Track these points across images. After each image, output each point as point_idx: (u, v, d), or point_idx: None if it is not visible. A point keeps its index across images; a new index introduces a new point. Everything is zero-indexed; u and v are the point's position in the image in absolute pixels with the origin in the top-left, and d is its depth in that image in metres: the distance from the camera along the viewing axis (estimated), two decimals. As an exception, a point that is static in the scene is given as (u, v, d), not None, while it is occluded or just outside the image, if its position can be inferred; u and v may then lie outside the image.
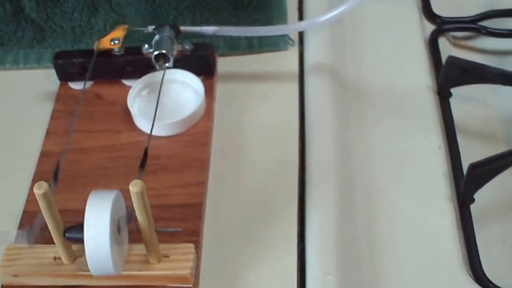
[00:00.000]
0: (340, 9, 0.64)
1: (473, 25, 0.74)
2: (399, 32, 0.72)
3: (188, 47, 0.64)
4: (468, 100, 0.69)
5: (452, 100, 0.67)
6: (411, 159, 0.62)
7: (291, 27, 0.66)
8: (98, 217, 0.45)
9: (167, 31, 0.62)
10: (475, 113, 0.69)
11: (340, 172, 0.59)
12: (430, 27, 0.75)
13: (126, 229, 0.49)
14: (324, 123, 0.62)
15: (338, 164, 0.60)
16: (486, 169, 0.57)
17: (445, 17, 0.74)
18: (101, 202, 0.46)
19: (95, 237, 0.45)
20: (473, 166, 0.57)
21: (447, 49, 0.74)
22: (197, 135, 0.60)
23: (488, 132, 0.68)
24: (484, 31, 0.73)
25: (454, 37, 0.75)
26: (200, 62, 0.64)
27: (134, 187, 0.44)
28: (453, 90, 0.68)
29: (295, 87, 0.66)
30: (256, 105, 0.64)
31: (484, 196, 0.60)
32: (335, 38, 0.70)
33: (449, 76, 0.65)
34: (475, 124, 0.68)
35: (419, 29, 0.72)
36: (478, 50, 0.75)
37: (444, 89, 0.66)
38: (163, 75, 0.61)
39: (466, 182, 0.57)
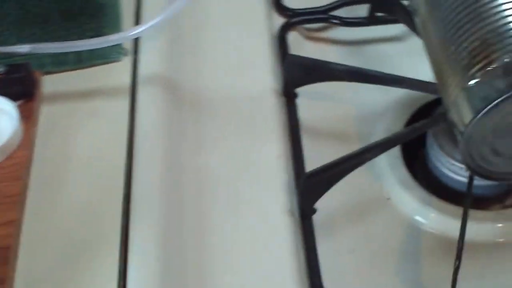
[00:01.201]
0: (168, 11, 0.58)
1: (325, 15, 0.70)
2: (244, 30, 0.67)
3: (1, 69, 0.58)
4: (320, 98, 0.64)
5: (301, 100, 0.63)
6: (251, 172, 0.57)
7: (117, 37, 0.61)
8: None
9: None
10: (329, 111, 0.65)
11: (170, 199, 0.54)
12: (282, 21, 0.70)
13: None
14: (154, 144, 0.57)
15: (168, 190, 0.55)
16: (323, 178, 0.53)
17: (296, 9, 0.70)
18: None
19: None
20: (308, 176, 0.53)
21: (299, 43, 0.69)
22: (11, 168, 0.55)
23: (341, 131, 0.64)
24: (337, 21, 0.69)
25: (307, 29, 0.70)
26: (16, 85, 0.58)
27: None
28: (303, 89, 0.63)
29: (126, 103, 0.60)
30: (83, 127, 0.59)
31: (331, 203, 0.57)
32: (173, 43, 0.65)
33: (292, 76, 0.61)
34: (328, 124, 0.64)
35: (266, 25, 0.68)
36: (333, 41, 0.70)
37: (289, 90, 0.62)
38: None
39: (302, 193, 0.53)
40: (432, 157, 0.60)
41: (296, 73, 0.60)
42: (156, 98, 0.60)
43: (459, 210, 0.55)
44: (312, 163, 0.58)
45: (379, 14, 0.67)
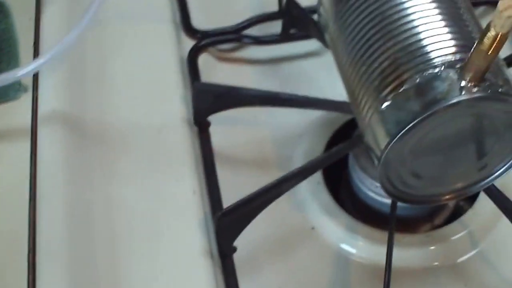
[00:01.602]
0: (67, 40, 0.54)
1: (237, 35, 0.66)
2: (151, 56, 0.63)
3: None
4: (234, 123, 0.61)
5: (214, 128, 0.59)
6: (166, 209, 0.54)
7: (12, 75, 0.56)
8: None
9: None
10: (244, 137, 0.61)
11: (75, 246, 0.50)
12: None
13: None
14: (56, 187, 0.53)
15: (73, 235, 0.51)
16: (240, 214, 0.50)
17: (206, 30, 0.66)
18: None
19: None
20: (223, 214, 0.50)
21: (212, 66, 0.66)
22: None
23: (259, 158, 0.60)
24: (250, 40, 0.66)
25: (219, 51, 0.67)
26: None
27: None
28: (216, 115, 0.59)
29: (27, 144, 0.56)
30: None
31: (252, 238, 0.53)
32: (75, 75, 0.61)
33: (201, 104, 0.57)
34: (245, 151, 0.61)
35: (175, 49, 0.64)
36: (247, 61, 0.67)
37: (200, 119, 0.58)
38: None
39: (219, 232, 0.50)
40: (356, 179, 0.57)
41: (206, 101, 0.56)
42: (59, 136, 0.56)
43: (386, 235, 0.52)
44: (230, 195, 0.54)
45: (293, 30, 0.64)
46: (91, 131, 0.58)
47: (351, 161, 0.57)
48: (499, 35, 0.39)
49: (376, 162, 0.45)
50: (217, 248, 0.52)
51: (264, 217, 0.52)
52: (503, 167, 0.47)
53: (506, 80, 0.43)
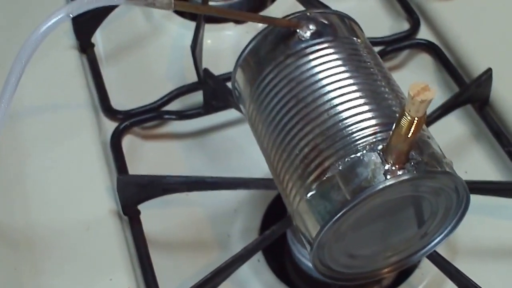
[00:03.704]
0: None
1: (158, 112, 0.64)
2: (72, 146, 0.61)
3: None
4: (165, 207, 0.58)
5: (145, 215, 0.57)
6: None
7: None
8: None
9: None
10: (178, 220, 0.59)
11: None
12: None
13: None
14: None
15: None
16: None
17: (127, 110, 0.64)
18: None
19: None
20: None
21: (137, 145, 0.63)
22: None
23: (196, 239, 0.58)
24: (172, 116, 0.64)
25: (143, 128, 0.64)
26: None
27: None
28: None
29: None
30: None
31: None
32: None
33: (128, 196, 0.55)
34: (180, 234, 0.59)
35: (97, 135, 0.62)
36: (173, 136, 0.65)
37: (129, 209, 0.56)
38: None
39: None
40: (295, 252, 0.55)
41: (132, 193, 0.54)
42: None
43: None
44: (170, 284, 0.53)
45: (214, 102, 0.62)
46: (16, 237, 0.55)
47: (289, 235, 0.55)
48: (415, 119, 0.37)
49: (308, 248, 0.43)
50: None
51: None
52: (440, 235, 0.46)
53: (432, 155, 0.41)
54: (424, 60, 0.68)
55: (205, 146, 0.64)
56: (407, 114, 0.37)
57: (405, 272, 0.55)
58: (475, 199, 0.50)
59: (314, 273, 0.52)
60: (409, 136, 0.38)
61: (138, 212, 0.56)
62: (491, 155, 0.61)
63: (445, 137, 0.59)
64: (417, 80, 0.63)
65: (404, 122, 0.37)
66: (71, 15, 0.43)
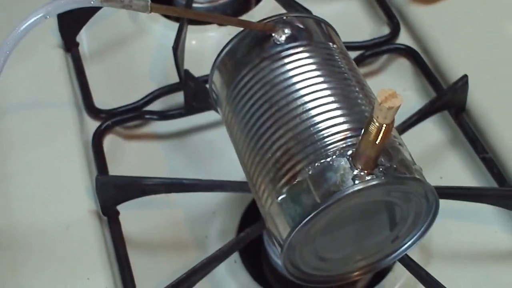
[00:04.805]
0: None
1: (140, 112, 0.64)
2: (54, 145, 0.61)
3: None
4: (145, 207, 0.59)
5: (126, 215, 0.57)
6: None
7: None
8: None
9: None
10: (156, 221, 0.59)
11: None
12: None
13: None
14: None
15: None
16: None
17: (109, 110, 0.64)
18: None
19: None
20: None
21: (118, 145, 0.64)
22: None
23: (174, 240, 0.59)
24: (154, 116, 0.64)
25: (125, 128, 0.65)
26: None
27: None
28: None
29: None
30: None
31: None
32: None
33: (107, 197, 0.55)
34: (159, 235, 0.59)
35: (78, 134, 0.62)
36: (154, 136, 0.65)
37: (108, 210, 0.56)
38: None
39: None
40: (271, 253, 0.56)
41: (111, 193, 0.55)
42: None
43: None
44: (148, 284, 0.54)
45: (195, 103, 0.63)
46: (3, 239, 0.55)
47: (265, 237, 0.56)
48: (383, 126, 0.38)
49: (279, 249, 0.44)
50: None
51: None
52: (411, 239, 0.47)
53: (402, 161, 0.42)
54: (403, 65, 0.68)
55: (186, 147, 0.65)
56: (375, 120, 0.38)
57: (379, 275, 0.56)
58: (450, 204, 0.52)
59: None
60: (377, 142, 0.39)
61: (117, 213, 0.57)
62: (467, 161, 0.61)
63: (422, 143, 0.61)
64: (395, 85, 0.66)
65: (373, 128, 0.38)
66: (47, 17, 0.44)
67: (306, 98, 0.44)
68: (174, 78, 0.65)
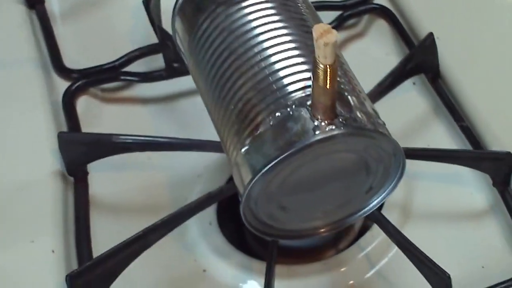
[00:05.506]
0: None
1: (116, 72, 0.62)
2: (18, 104, 0.58)
3: None
4: (128, 167, 0.56)
5: (95, 176, 0.55)
6: (19, 277, 0.49)
7: None
8: None
9: None
10: (138, 182, 0.57)
11: None
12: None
13: None
14: None
15: None
16: (101, 271, 0.46)
17: (81, 69, 0.62)
18: None
19: None
20: (77, 274, 0.45)
21: (94, 108, 0.62)
22: None
23: (151, 202, 0.56)
24: (132, 77, 0.62)
25: (103, 91, 0.63)
26: None
27: None
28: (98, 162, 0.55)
29: None
30: None
31: (143, 282, 0.51)
32: None
33: (73, 155, 0.53)
34: (133, 198, 0.56)
35: (46, 94, 0.59)
36: (135, 100, 0.63)
37: (75, 170, 0.54)
38: None
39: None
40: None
41: (76, 152, 0.52)
42: None
43: (282, 269, 0.50)
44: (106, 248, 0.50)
45: (176, 64, 0.60)
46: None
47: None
48: (328, 67, 0.36)
49: (240, 198, 0.42)
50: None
51: (153, 261, 0.49)
52: (381, 194, 0.45)
53: (364, 113, 0.40)
54: (383, 26, 0.66)
55: (173, 111, 0.62)
56: (318, 62, 0.36)
57: (358, 235, 0.54)
58: (430, 167, 0.53)
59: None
60: (327, 87, 0.37)
61: (86, 173, 0.55)
62: (449, 128, 0.60)
63: (409, 111, 0.60)
64: (378, 49, 0.64)
65: (319, 72, 0.36)
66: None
67: (264, 45, 0.42)
68: (154, 39, 0.63)
